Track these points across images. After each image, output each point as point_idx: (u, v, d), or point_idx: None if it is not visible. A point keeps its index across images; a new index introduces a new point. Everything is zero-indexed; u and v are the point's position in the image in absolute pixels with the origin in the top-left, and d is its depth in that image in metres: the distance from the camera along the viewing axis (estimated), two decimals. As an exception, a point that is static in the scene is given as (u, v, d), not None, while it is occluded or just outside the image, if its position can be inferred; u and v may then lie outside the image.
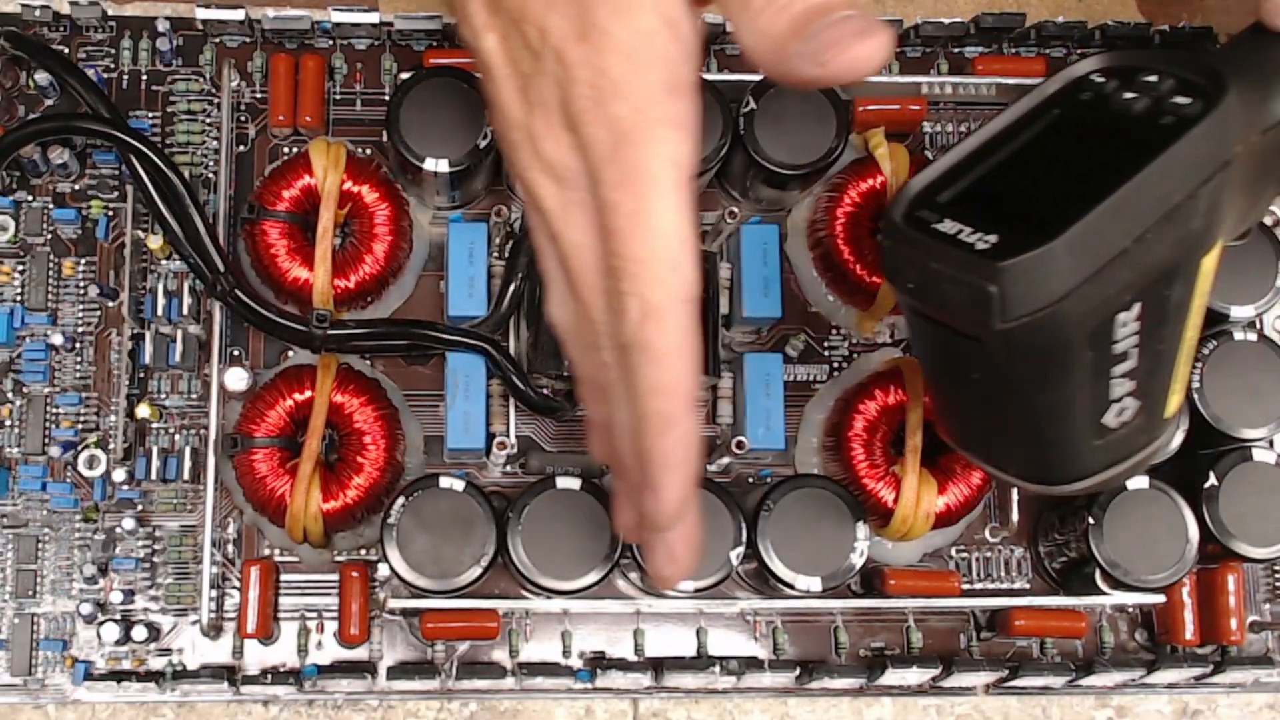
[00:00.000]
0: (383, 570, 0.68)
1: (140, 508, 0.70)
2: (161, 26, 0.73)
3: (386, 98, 0.74)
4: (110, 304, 0.72)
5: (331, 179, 0.68)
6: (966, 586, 0.72)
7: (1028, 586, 0.73)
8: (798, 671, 0.69)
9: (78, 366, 0.71)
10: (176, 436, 0.71)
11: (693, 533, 0.54)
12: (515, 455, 0.70)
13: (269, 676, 0.68)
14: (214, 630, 0.69)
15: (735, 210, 0.72)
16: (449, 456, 0.71)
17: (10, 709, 0.69)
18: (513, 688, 0.70)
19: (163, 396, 0.71)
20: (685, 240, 0.48)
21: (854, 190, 0.71)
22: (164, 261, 0.72)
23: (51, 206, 0.72)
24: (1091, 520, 0.67)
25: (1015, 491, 0.71)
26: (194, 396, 0.71)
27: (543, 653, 0.71)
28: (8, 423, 0.71)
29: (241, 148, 0.74)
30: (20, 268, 0.72)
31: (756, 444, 0.69)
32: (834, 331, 0.75)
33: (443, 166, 0.68)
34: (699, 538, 0.54)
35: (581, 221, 0.49)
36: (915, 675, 0.69)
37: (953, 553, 0.73)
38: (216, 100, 0.74)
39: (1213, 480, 0.68)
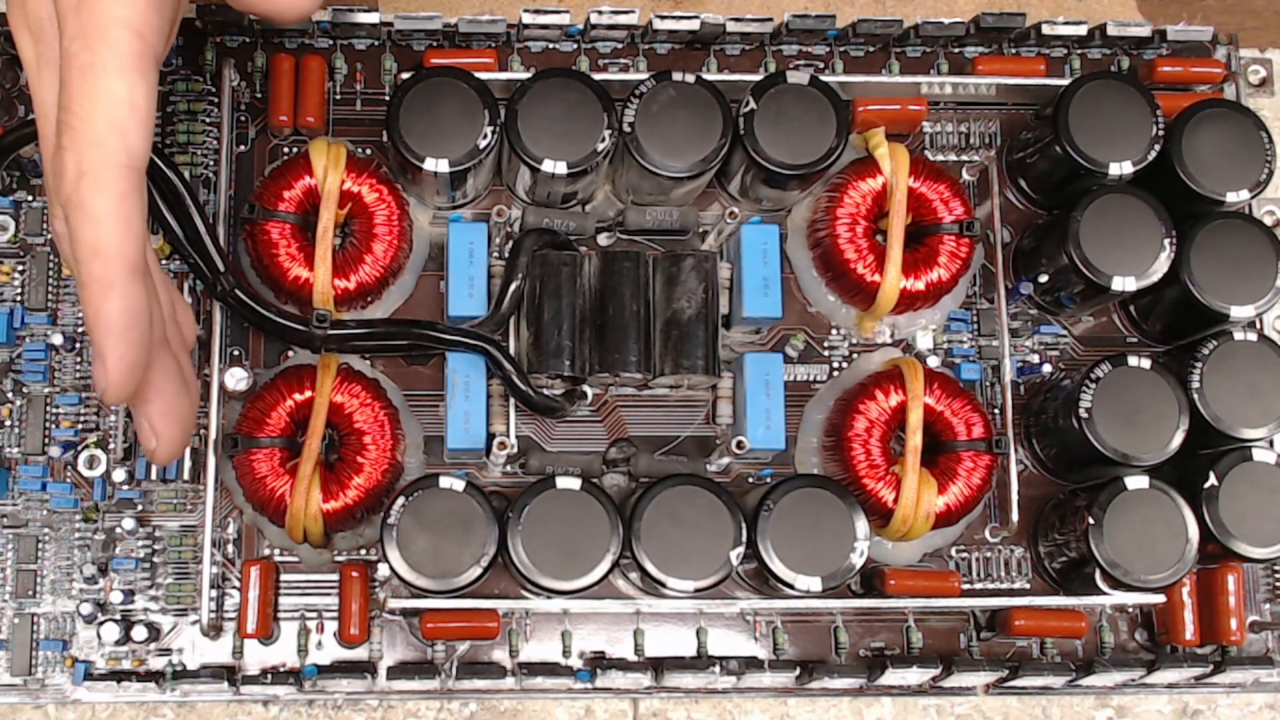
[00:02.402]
0: (383, 570, 0.68)
1: (140, 508, 0.70)
2: (161, 26, 0.73)
3: (386, 98, 0.74)
4: (110, 304, 0.72)
5: (331, 179, 0.68)
6: (966, 586, 0.72)
7: (1028, 586, 0.73)
8: (798, 671, 0.69)
9: (78, 366, 0.71)
10: (176, 436, 0.71)
11: (172, 406, 0.56)
12: (515, 455, 0.70)
13: (269, 676, 0.68)
14: (214, 630, 0.69)
15: (735, 210, 0.72)
16: (449, 456, 0.71)
17: (10, 709, 0.69)
18: (513, 688, 0.70)
19: (163, 396, 0.71)
20: (135, 106, 0.49)
21: (854, 190, 0.71)
22: (164, 261, 0.72)
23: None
24: (1091, 520, 0.67)
25: (1015, 491, 0.71)
26: (194, 396, 0.71)
27: (543, 653, 0.71)
28: (8, 423, 0.71)
29: (241, 148, 0.74)
30: (20, 268, 0.72)
31: (756, 444, 0.69)
32: (834, 331, 0.75)
33: (443, 166, 0.68)
34: (182, 412, 0.56)
35: (49, 77, 0.51)
36: (915, 675, 0.69)
37: (953, 553, 0.73)
38: (216, 100, 0.74)
39: (1213, 480, 0.68)
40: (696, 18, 0.74)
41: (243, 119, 0.74)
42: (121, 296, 0.50)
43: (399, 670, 0.68)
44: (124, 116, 0.49)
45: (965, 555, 0.73)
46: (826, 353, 0.74)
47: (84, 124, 0.49)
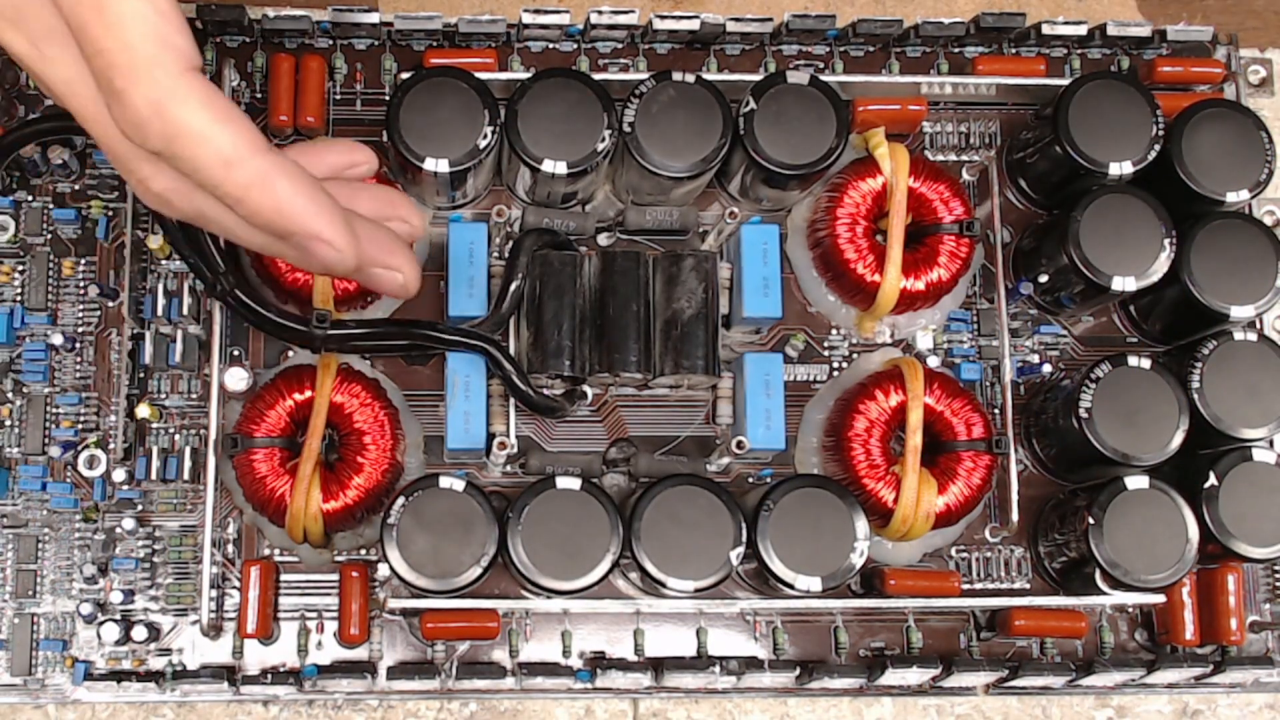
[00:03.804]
0: (383, 570, 0.68)
1: (140, 508, 0.70)
2: (161, 26, 0.73)
3: (386, 98, 0.74)
4: (110, 304, 0.72)
5: (331, 179, 0.68)
6: (966, 586, 0.72)
7: (1028, 586, 0.73)
8: (798, 671, 0.69)
9: (78, 366, 0.71)
10: (176, 436, 0.71)
11: (381, 238, 0.53)
12: (515, 455, 0.70)
13: (269, 676, 0.68)
14: (214, 630, 0.69)
15: (735, 210, 0.72)
16: (449, 456, 0.71)
17: (10, 709, 0.69)
18: (513, 688, 0.70)
19: (163, 396, 0.71)
20: (162, 12, 0.45)
21: (854, 190, 0.71)
22: (164, 261, 0.72)
23: (51, 206, 0.72)
24: (1091, 520, 0.67)
25: (1015, 491, 0.71)
26: (194, 396, 0.71)
27: (543, 653, 0.71)
28: (8, 423, 0.71)
29: (241, 148, 0.74)
30: (20, 268, 0.72)
31: (756, 444, 0.69)
32: (834, 331, 0.75)
33: (443, 166, 0.68)
34: (389, 240, 0.54)
35: (54, 53, 0.47)
36: (915, 675, 0.69)
37: (953, 553, 0.73)
38: (216, 100, 0.74)
39: (1213, 480, 0.68)
40: (696, 18, 0.74)
41: (243, 119, 0.74)
42: (282, 174, 0.48)
43: (399, 670, 0.68)
44: (159, 25, 0.46)
45: (965, 555, 0.73)
46: (826, 353, 0.74)
47: (129, 54, 0.45)
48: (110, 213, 0.72)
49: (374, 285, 0.56)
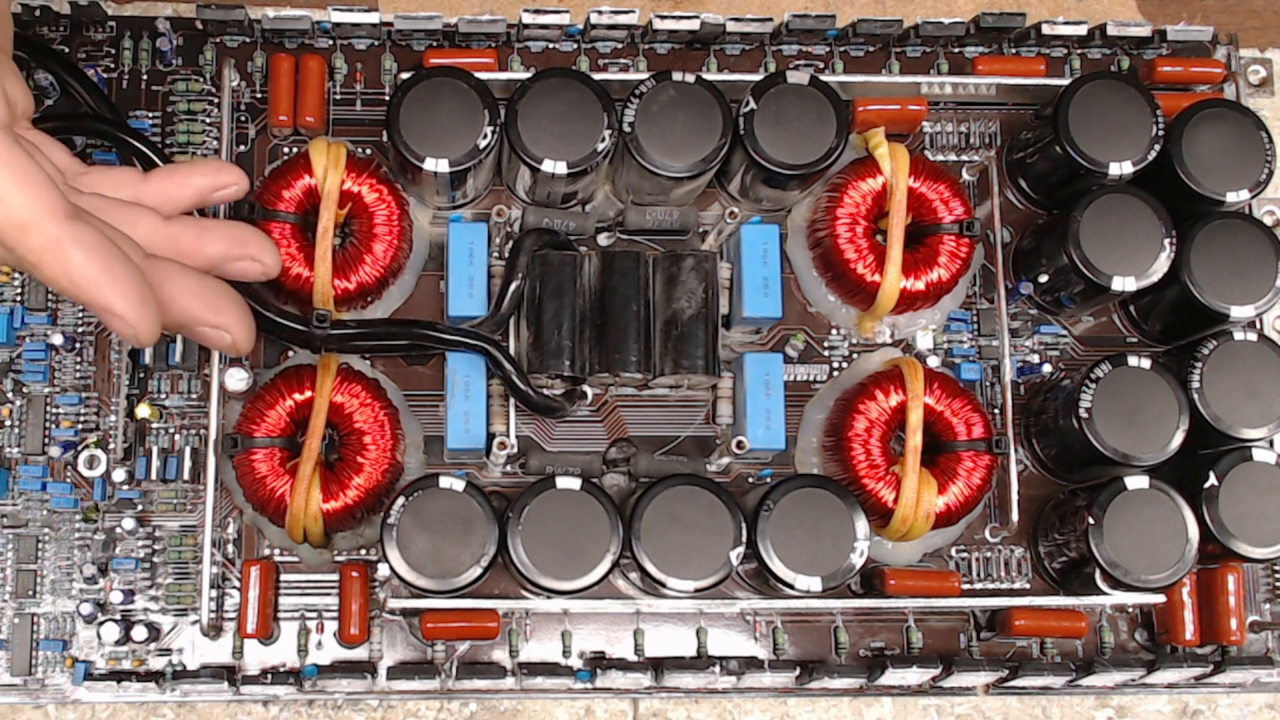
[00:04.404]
0: (383, 570, 0.68)
1: (140, 508, 0.70)
2: (161, 26, 0.73)
3: (386, 98, 0.74)
4: (110, 304, 0.72)
5: (331, 179, 0.68)
6: (966, 586, 0.72)
7: (1028, 586, 0.73)
8: (798, 671, 0.69)
9: (78, 366, 0.71)
10: (176, 436, 0.71)
11: (206, 294, 0.54)
12: (515, 455, 0.70)
13: (269, 676, 0.68)
14: (214, 630, 0.69)
15: (735, 210, 0.72)
16: (449, 456, 0.71)
17: (10, 709, 0.69)
18: (513, 688, 0.70)
19: (163, 396, 0.71)
20: None
21: (854, 190, 0.71)
22: (164, 261, 0.72)
23: (51, 206, 0.72)
24: (1091, 520, 0.67)
25: (1015, 491, 0.71)
26: (194, 396, 0.71)
27: (543, 653, 0.71)
28: (8, 423, 0.71)
29: (241, 148, 0.74)
30: (20, 268, 0.72)
31: (756, 444, 0.69)
32: (834, 331, 0.75)
33: (443, 166, 0.68)
34: (217, 295, 0.54)
35: None
36: (915, 675, 0.69)
37: (953, 553, 0.73)
38: (216, 100, 0.74)
39: (1213, 480, 0.68)
40: (696, 18, 0.74)
41: (243, 119, 0.74)
42: (77, 244, 0.47)
43: (399, 670, 0.68)
44: None
45: (965, 555, 0.73)
46: (826, 353, 0.74)
47: None
48: (110, 213, 0.72)
49: (202, 342, 0.56)
